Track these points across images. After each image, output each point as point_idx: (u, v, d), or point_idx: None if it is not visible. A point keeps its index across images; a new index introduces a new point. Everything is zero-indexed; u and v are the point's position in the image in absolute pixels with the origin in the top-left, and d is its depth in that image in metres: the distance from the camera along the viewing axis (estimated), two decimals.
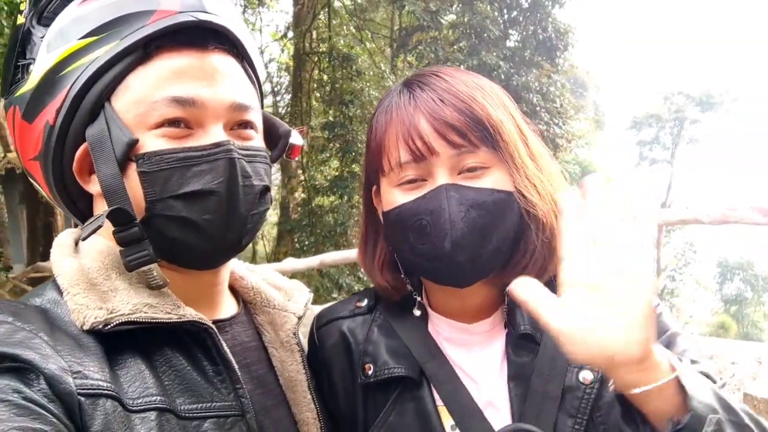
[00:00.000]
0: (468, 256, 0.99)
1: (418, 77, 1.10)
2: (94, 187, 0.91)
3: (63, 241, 0.97)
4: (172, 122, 0.87)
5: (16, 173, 18.15)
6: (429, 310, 1.15)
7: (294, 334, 1.09)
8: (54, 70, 0.89)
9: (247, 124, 0.94)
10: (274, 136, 1.04)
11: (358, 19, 16.28)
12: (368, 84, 13.03)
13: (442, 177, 1.01)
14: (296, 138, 1.05)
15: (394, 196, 1.05)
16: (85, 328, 0.81)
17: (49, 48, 0.90)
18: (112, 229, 0.87)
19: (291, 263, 6.08)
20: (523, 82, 13.65)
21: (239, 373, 0.92)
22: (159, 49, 0.88)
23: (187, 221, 0.87)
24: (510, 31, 14.69)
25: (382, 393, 1.10)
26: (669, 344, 1.06)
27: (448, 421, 1.05)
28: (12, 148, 24.46)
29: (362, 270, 1.22)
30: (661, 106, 34.78)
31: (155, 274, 0.88)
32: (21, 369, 0.72)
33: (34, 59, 0.92)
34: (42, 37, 0.92)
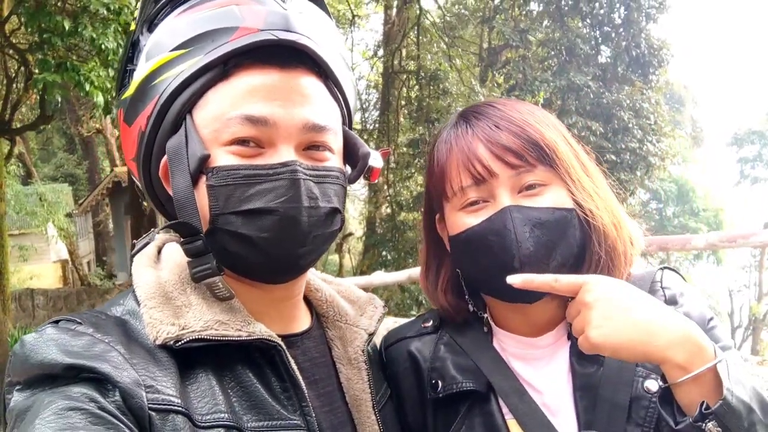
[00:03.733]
0: (536, 272, 1.02)
1: (473, 108, 1.15)
2: None
3: (146, 251, 1.00)
4: (244, 141, 0.87)
5: (122, 186, 19.35)
6: (494, 326, 1.18)
7: (362, 351, 1.08)
8: (148, 79, 0.92)
9: (321, 146, 0.93)
10: (354, 157, 1.02)
11: (448, 36, 16.46)
12: (456, 101, 13.15)
13: (503, 197, 1.06)
14: (376, 160, 1.03)
15: (460, 219, 1.09)
16: (158, 343, 0.83)
17: (147, 57, 0.93)
18: None
19: (380, 276, 6.26)
20: (615, 99, 13.42)
21: (306, 391, 0.92)
22: (238, 67, 0.88)
23: (245, 237, 0.87)
24: (602, 47, 14.48)
25: (451, 408, 1.12)
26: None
27: None
28: (118, 163, 25.66)
29: None
30: (765, 122, 33.12)
31: (221, 286, 0.89)
32: (98, 380, 0.75)
33: (136, 66, 0.95)
34: (145, 45, 0.95)
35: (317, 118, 0.91)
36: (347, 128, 1.02)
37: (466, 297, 1.19)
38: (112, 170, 22.35)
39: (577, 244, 1.08)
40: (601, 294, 0.95)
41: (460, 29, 19.70)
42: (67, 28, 6.78)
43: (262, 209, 0.86)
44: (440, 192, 1.14)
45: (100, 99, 7.19)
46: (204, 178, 0.88)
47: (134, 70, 0.95)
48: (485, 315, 1.19)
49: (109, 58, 7.15)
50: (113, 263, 28.43)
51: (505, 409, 1.10)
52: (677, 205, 30.53)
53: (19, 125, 11.44)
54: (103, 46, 6.95)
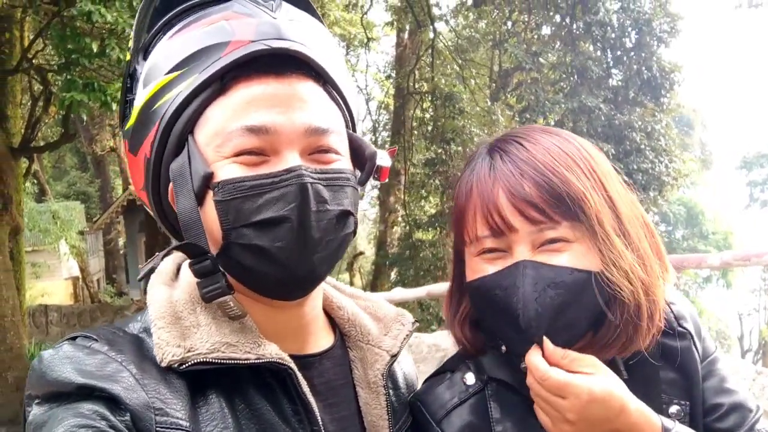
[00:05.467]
0: (542, 332, 0.99)
1: (502, 143, 1.08)
2: None
3: (163, 268, 0.98)
4: (248, 152, 0.86)
5: (137, 204, 19.53)
6: None
7: (382, 375, 1.02)
8: (147, 105, 0.91)
9: (327, 149, 0.91)
10: (360, 159, 0.99)
11: (461, 58, 16.67)
12: (470, 122, 13.34)
13: (521, 252, 1.00)
14: (384, 159, 1.00)
15: (476, 265, 1.06)
16: (163, 365, 0.82)
17: (144, 83, 0.92)
18: None
19: (400, 293, 6.38)
20: (626, 121, 13.52)
21: (318, 414, 0.90)
22: (235, 80, 0.87)
23: (260, 249, 0.85)
24: (613, 71, 14.63)
25: None
26: (709, 372, 1.11)
27: None
28: (131, 181, 26.23)
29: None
30: None
31: (232, 305, 0.87)
32: (109, 399, 0.76)
33: (135, 95, 0.95)
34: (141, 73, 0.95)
35: (318, 121, 0.89)
36: (351, 132, 1.00)
37: (499, 341, 1.12)
38: (126, 188, 22.57)
39: (593, 309, 1.02)
40: (581, 415, 0.96)
41: (470, 52, 19.95)
42: (95, 49, 7.00)
43: (274, 218, 0.84)
44: (461, 232, 1.09)
45: None
46: (210, 194, 0.86)
47: (134, 99, 0.95)
48: (523, 365, 1.09)
49: None
50: (122, 281, 28.64)
51: None
52: (686, 228, 30.49)
53: (41, 143, 11.67)
54: None
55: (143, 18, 0.97)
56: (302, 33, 0.91)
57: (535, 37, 15.84)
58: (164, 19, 0.93)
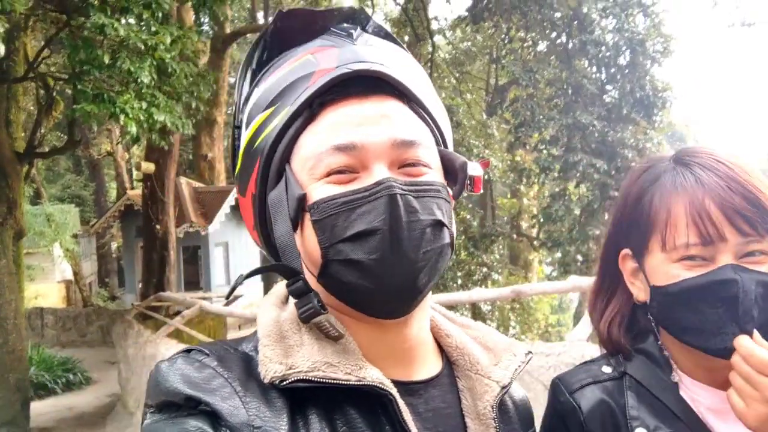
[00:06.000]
0: (754, 324, 1.04)
1: (692, 156, 1.12)
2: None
3: (275, 290, 1.01)
4: (339, 171, 0.88)
5: (134, 209, 19.54)
6: (682, 375, 1.16)
7: (492, 407, 0.98)
8: (249, 145, 0.95)
9: (416, 162, 0.91)
10: (452, 172, 0.98)
11: (458, 71, 16.92)
12: (468, 134, 13.61)
13: (725, 261, 1.05)
14: (475, 169, 0.99)
15: (672, 270, 1.08)
16: (266, 381, 0.83)
17: (246, 125, 0.97)
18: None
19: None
20: (619, 138, 13.81)
21: None
22: (323, 106, 0.90)
23: (355, 263, 0.85)
24: (607, 87, 14.90)
25: None
26: None
27: None
28: (127, 186, 25.66)
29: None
30: (765, 162, 33.45)
31: (327, 325, 0.88)
32: (212, 414, 0.77)
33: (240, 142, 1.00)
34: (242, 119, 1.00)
35: (404, 134, 0.90)
36: (442, 147, 1.00)
37: (659, 343, 1.17)
38: (124, 193, 22.71)
39: None
40: None
41: (467, 65, 20.23)
42: (106, 61, 7.18)
43: (366, 231, 0.84)
44: (645, 238, 1.12)
45: (133, 129, 7.57)
46: (307, 217, 0.88)
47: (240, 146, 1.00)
48: (675, 366, 1.16)
49: (143, 90, 7.57)
50: (115, 285, 28.58)
51: None
52: None
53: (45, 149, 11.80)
54: (138, 79, 7.35)
55: (244, 74, 1.04)
56: (382, 56, 0.95)
57: (532, 54, 16.15)
58: (263, 72, 1.00)
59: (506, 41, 16.28)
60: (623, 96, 14.43)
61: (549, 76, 14.98)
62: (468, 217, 14.78)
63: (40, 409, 10.90)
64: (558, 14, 14.07)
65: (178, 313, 11.07)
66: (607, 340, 1.21)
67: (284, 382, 0.82)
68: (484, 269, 14.60)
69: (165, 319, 10.79)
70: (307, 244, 0.89)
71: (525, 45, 16.34)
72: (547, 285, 7.49)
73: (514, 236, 17.58)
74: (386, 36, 1.04)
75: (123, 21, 7.33)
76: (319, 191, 0.87)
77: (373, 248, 0.84)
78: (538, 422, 1.17)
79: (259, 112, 0.94)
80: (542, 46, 16.29)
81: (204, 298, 12.27)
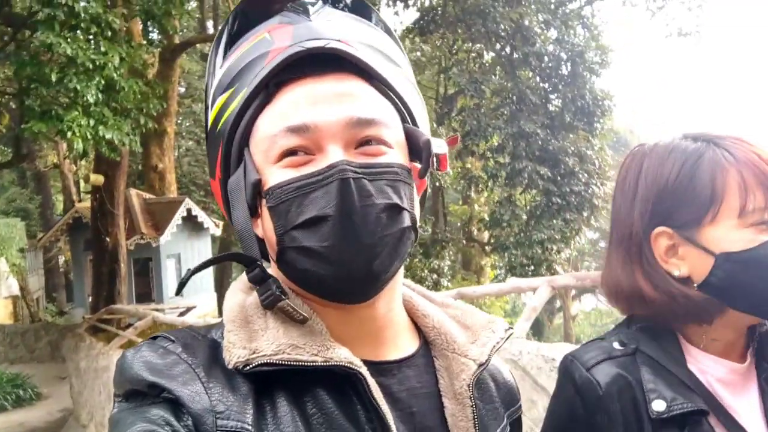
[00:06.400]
0: None
1: (723, 140, 1.17)
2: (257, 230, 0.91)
3: (244, 275, 0.96)
4: (292, 152, 0.85)
5: (82, 222, 19.21)
6: (689, 346, 1.20)
7: (469, 386, 0.96)
8: (212, 128, 0.93)
9: (374, 140, 0.87)
10: (416, 150, 0.93)
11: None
12: None
13: None
14: (440, 147, 0.93)
15: (748, 236, 1.11)
16: (230, 366, 0.81)
17: (210, 108, 0.95)
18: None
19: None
20: (561, 146, 14.34)
21: (391, 423, 0.86)
22: (278, 87, 0.87)
23: (309, 251, 0.83)
24: (551, 96, 15.42)
25: (670, 429, 1.11)
26: None
27: None
28: (74, 198, 25.03)
29: None
30: None
31: (291, 310, 0.85)
32: (175, 401, 0.76)
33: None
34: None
35: (362, 112, 0.86)
36: (408, 125, 0.94)
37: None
38: (72, 205, 22.18)
39: None
40: None
41: (417, 74, 20.57)
42: (53, 78, 7.21)
43: (317, 217, 0.82)
44: (703, 210, 1.13)
45: (80, 146, 7.61)
46: (264, 202, 0.86)
47: None
48: (680, 335, 1.21)
49: (91, 109, 7.61)
50: (63, 300, 27.96)
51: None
52: None
53: None
54: (85, 99, 7.41)
55: (214, 55, 1.01)
56: (341, 31, 0.90)
57: (477, 65, 16.58)
58: (234, 45, 0.96)
59: (453, 52, 16.71)
60: (565, 105, 14.98)
61: (494, 87, 15.42)
62: (419, 224, 15.10)
63: None
64: (501, 27, 14.51)
65: (130, 325, 11.06)
66: (666, 300, 1.17)
67: (248, 367, 0.80)
68: (434, 276, 14.91)
69: (117, 331, 10.75)
70: (266, 230, 0.87)
71: (471, 56, 16.74)
72: (489, 287, 7.92)
73: (463, 242, 17.95)
74: (355, 9, 1.00)
75: (71, 37, 7.37)
76: (274, 176, 0.85)
77: (324, 235, 0.82)
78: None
79: (220, 94, 0.92)
80: (488, 57, 16.76)
81: (156, 310, 12.23)
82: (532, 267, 14.13)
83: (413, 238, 0.90)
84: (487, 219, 16.39)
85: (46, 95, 7.66)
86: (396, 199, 0.85)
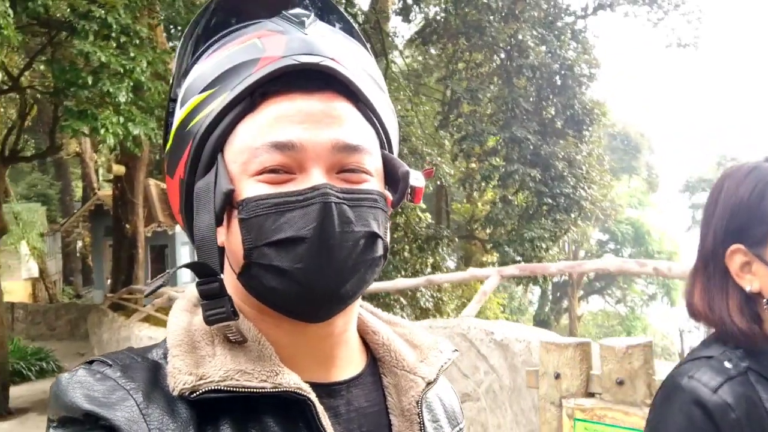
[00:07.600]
0: None
1: None
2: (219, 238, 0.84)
3: (189, 293, 0.92)
4: (273, 170, 0.80)
5: (104, 209, 20.19)
6: None
7: (417, 403, 0.94)
8: (182, 126, 0.87)
9: (356, 168, 0.84)
10: (393, 178, 0.90)
11: (413, 83, 17.97)
12: (421, 142, 14.86)
13: None
14: (418, 180, 0.91)
15: None
16: (174, 393, 0.76)
17: (180, 104, 0.89)
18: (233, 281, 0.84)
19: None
20: (551, 151, 15.21)
21: None
22: (264, 97, 0.82)
23: (279, 270, 0.79)
24: (543, 104, 16.25)
25: None
26: None
27: None
28: (95, 186, 25.68)
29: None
30: (715, 171, 34.07)
31: (234, 330, 0.81)
32: (111, 429, 0.73)
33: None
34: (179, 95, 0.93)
35: (348, 137, 0.83)
36: (386, 152, 0.92)
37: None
38: (93, 192, 22.99)
39: None
40: None
41: (425, 77, 21.32)
42: (90, 82, 8.21)
43: (294, 238, 0.77)
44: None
45: (110, 141, 8.66)
46: (234, 213, 0.81)
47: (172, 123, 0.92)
48: None
49: (121, 108, 8.59)
50: (79, 283, 28.71)
51: None
52: (634, 246, 30.97)
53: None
54: (116, 99, 8.40)
55: (186, 43, 0.97)
56: (334, 49, 0.86)
57: (476, 74, 17.40)
58: (207, 44, 0.91)
59: (454, 62, 17.49)
60: (557, 113, 15.90)
61: (492, 95, 16.31)
62: (418, 220, 16.00)
63: (17, 393, 11.57)
64: (499, 39, 15.34)
65: (145, 306, 11.97)
66: (739, 334, 1.20)
67: (194, 394, 0.76)
68: (429, 270, 15.79)
69: (137, 306, 11.59)
70: (231, 240, 0.83)
71: (470, 66, 17.57)
72: (452, 275, 8.73)
73: (456, 239, 18.80)
74: (345, 28, 0.98)
75: (104, 45, 8.31)
76: (250, 189, 0.81)
77: (298, 257, 0.78)
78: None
79: (197, 92, 0.86)
80: (486, 67, 17.52)
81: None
82: (522, 263, 15.01)
83: (381, 265, 0.88)
84: (484, 218, 17.32)
85: (82, 97, 8.55)
86: (374, 227, 0.83)
